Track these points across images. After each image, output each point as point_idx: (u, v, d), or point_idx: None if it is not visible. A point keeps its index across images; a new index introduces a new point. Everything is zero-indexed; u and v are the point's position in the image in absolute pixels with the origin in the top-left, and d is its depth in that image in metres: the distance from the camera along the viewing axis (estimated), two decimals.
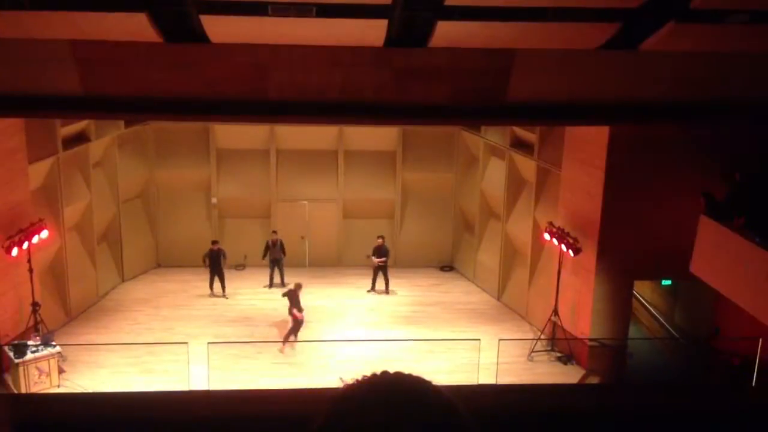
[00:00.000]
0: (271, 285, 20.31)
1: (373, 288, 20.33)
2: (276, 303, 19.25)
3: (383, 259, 20.08)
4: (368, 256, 20.62)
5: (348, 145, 21.32)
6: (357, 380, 1.56)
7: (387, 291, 20.32)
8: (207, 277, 19.78)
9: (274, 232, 20.38)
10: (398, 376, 1.56)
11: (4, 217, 15.21)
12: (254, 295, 19.99)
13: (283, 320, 18.15)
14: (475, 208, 20.87)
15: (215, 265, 19.56)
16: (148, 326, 18.26)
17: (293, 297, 17.47)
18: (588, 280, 16.44)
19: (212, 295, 19.74)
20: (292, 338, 17.41)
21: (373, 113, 13.62)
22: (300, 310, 17.45)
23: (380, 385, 1.54)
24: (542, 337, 17.62)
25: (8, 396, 13.12)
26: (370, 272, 21.07)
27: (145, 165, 20.79)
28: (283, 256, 20.34)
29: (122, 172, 19.87)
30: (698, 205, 14.37)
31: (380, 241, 20.15)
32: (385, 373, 1.57)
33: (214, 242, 19.75)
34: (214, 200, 21.32)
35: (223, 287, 19.76)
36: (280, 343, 17.29)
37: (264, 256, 20.30)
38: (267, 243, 20.26)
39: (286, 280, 20.13)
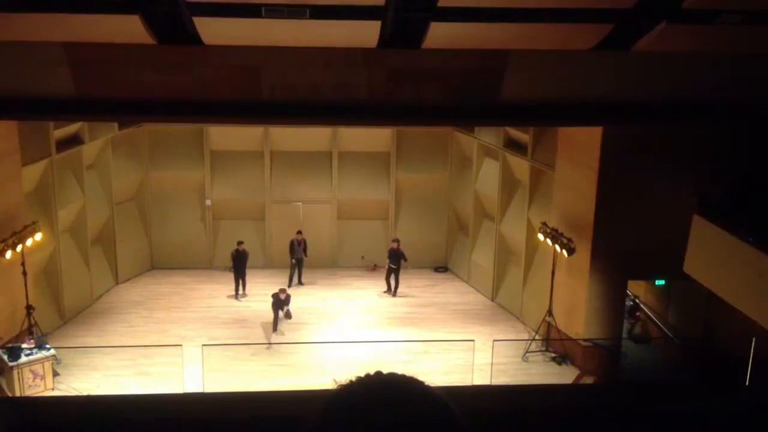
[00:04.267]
0: (290, 284, 20.35)
1: (388, 289, 20.40)
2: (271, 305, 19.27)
3: (389, 264, 20.16)
4: (362, 257, 20.62)
5: (342, 146, 21.32)
6: (350, 381, 1.57)
7: (394, 294, 20.34)
8: (203, 279, 19.79)
9: (299, 232, 20.35)
10: (391, 376, 1.57)
11: None
12: (249, 297, 19.95)
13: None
14: (469, 209, 20.88)
15: (241, 266, 19.59)
16: (143, 329, 18.23)
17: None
18: (582, 280, 16.47)
19: (238, 297, 19.81)
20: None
21: (366, 114, 13.63)
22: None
23: (373, 385, 1.56)
24: (537, 337, 17.64)
25: (2, 399, 13.09)
26: (365, 273, 21.14)
27: (139, 167, 20.75)
28: (305, 256, 20.39)
29: (116, 174, 19.83)
30: (691, 205, 14.41)
31: (395, 244, 20.16)
32: (378, 374, 1.58)
33: (240, 243, 19.75)
34: (208, 202, 21.29)
35: (244, 287, 19.86)
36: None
37: (292, 255, 20.39)
38: (292, 242, 20.30)
39: (303, 279, 20.49)
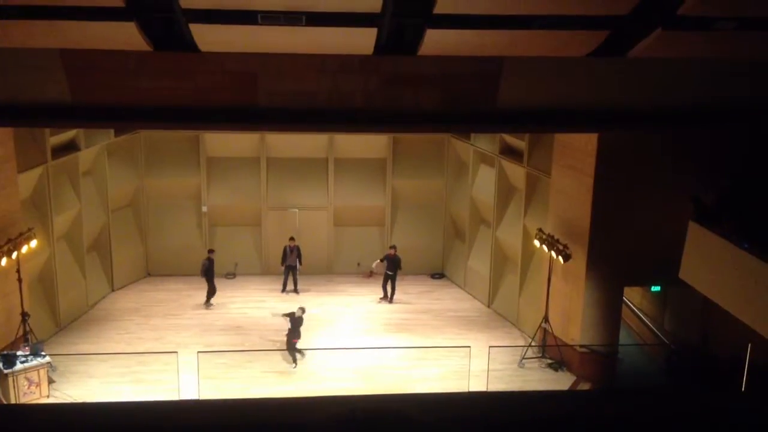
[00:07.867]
0: (284, 289, 20.44)
1: (385, 296, 20.41)
2: (267, 312, 19.24)
3: (386, 270, 20.16)
4: (359, 264, 20.56)
5: (338, 153, 21.34)
6: None
7: (390, 300, 20.33)
8: (198, 286, 19.78)
9: (292, 238, 20.40)
10: None
11: None
12: (245, 304, 19.95)
13: (273, 330, 18.12)
14: (466, 215, 20.91)
15: (210, 274, 19.59)
16: (138, 336, 18.19)
17: (295, 323, 17.22)
18: (578, 287, 16.48)
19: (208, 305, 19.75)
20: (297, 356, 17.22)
21: (362, 121, 13.63)
22: (297, 336, 17.17)
23: None
24: (533, 343, 17.64)
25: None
26: (361, 280, 21.13)
27: (135, 174, 20.75)
28: (298, 263, 20.40)
29: (112, 181, 19.82)
30: (687, 211, 14.43)
31: (392, 251, 20.17)
32: None
33: (210, 251, 19.79)
34: (204, 208, 21.29)
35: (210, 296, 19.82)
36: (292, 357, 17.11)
37: (283, 262, 20.42)
38: (285, 249, 20.36)
39: (299, 286, 20.49)
